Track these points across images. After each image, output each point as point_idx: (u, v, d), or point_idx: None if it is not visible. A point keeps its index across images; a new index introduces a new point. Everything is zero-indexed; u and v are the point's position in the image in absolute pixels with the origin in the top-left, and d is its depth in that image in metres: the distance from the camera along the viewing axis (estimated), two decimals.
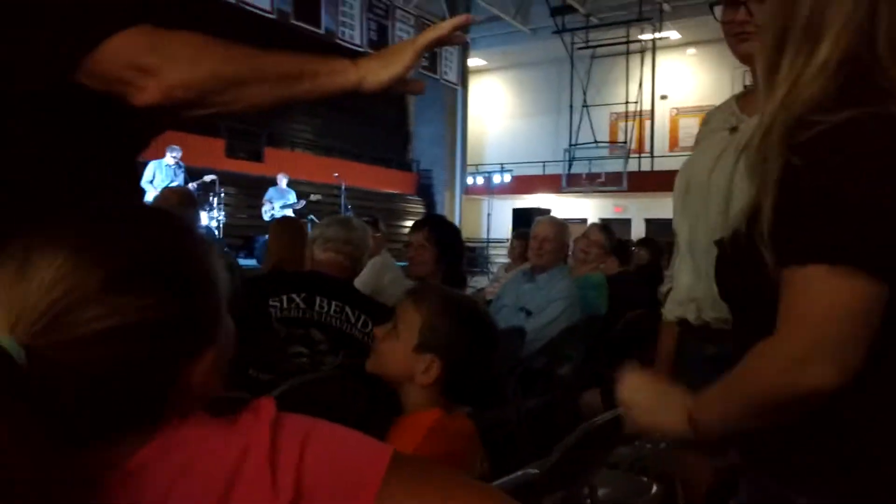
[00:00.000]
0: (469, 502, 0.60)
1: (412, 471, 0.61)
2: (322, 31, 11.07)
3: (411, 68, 0.95)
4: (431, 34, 0.96)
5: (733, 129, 1.40)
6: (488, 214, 16.06)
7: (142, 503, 0.54)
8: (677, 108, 16.83)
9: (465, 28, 0.99)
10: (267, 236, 9.53)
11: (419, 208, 16.30)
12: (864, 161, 0.75)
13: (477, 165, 18.07)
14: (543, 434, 1.40)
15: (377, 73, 0.94)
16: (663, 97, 16.64)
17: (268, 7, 9.94)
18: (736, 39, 1.38)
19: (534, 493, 1.28)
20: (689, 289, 1.47)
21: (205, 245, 0.61)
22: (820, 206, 0.76)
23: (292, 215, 9.41)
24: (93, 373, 0.51)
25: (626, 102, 15.87)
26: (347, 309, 2.02)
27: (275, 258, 2.94)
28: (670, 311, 1.54)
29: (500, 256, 13.79)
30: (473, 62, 17.20)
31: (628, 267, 4.22)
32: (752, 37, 1.31)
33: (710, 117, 1.54)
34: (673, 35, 15.65)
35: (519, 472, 1.24)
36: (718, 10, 1.41)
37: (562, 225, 3.19)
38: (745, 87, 1.49)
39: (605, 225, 4.21)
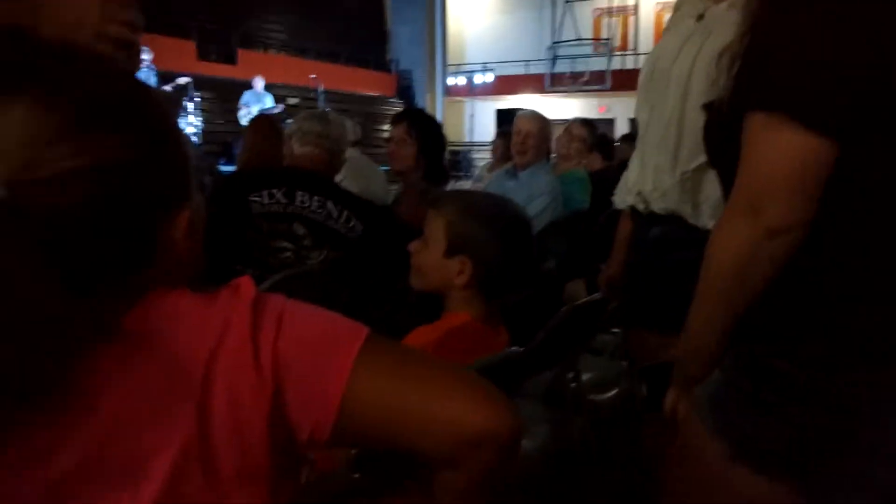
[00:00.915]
0: (445, 384, 0.61)
1: (388, 349, 0.62)
2: None
3: None
4: None
5: (700, 17, 1.37)
6: (471, 116, 15.80)
7: (127, 371, 0.54)
8: (662, 3, 16.31)
9: None
10: None
11: (399, 110, 15.98)
12: (820, 16, 0.75)
13: (458, 65, 17.58)
14: (528, 326, 1.43)
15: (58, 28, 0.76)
16: None
17: None
18: None
19: (518, 372, 1.32)
20: (635, 180, 1.48)
21: (167, 105, 0.61)
22: (769, 55, 0.78)
23: None
24: (74, 213, 0.50)
25: None
26: (329, 203, 2.00)
27: (249, 154, 2.89)
28: (621, 200, 1.56)
29: (484, 160, 13.70)
30: None
31: (612, 162, 4.20)
32: None
33: (681, 3, 1.49)
34: None
35: (503, 352, 1.27)
36: None
37: (544, 119, 3.14)
38: None
39: (588, 120, 4.15)
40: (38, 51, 0.54)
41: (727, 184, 0.86)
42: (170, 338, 0.56)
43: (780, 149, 0.76)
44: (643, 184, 1.45)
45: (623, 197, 1.54)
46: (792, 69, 0.76)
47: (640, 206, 1.47)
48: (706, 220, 1.34)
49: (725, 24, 1.25)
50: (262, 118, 3.64)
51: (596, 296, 1.77)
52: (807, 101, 0.75)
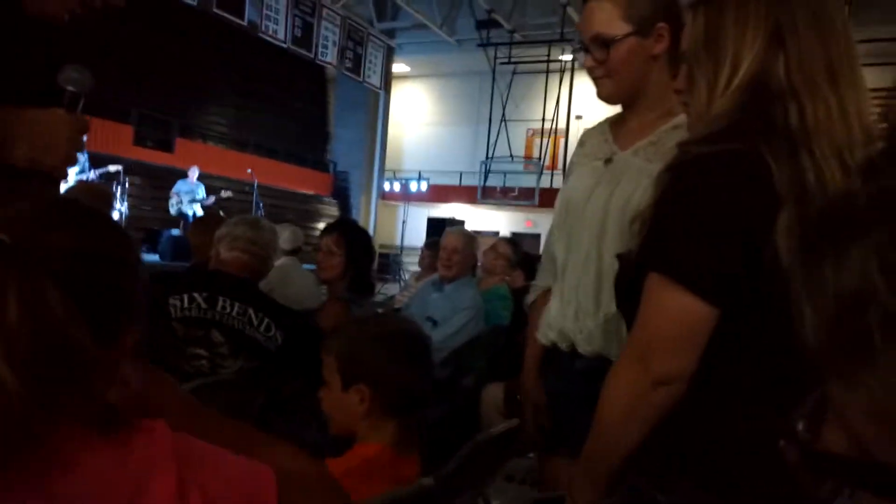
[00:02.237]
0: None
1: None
2: (245, 23, 10.80)
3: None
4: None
5: (608, 161, 1.45)
6: (403, 221, 16.06)
7: None
8: None
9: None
10: (174, 231, 9.14)
11: (334, 211, 16.10)
12: (703, 191, 0.86)
13: (395, 171, 18.05)
14: (444, 444, 1.42)
15: (27, 153, 0.96)
16: (578, 117, 17.14)
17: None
18: (594, 83, 1.43)
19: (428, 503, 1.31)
20: (555, 318, 1.49)
21: (131, 243, 0.70)
22: (668, 225, 0.88)
23: (201, 212, 9.11)
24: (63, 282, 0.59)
25: (543, 119, 16.27)
26: (251, 311, 1.98)
27: (200, 256, 2.86)
28: (542, 335, 1.55)
29: (413, 264, 13.80)
30: (397, 67, 17.19)
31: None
32: (604, 80, 1.39)
33: (586, 139, 1.57)
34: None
35: (414, 484, 1.26)
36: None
37: (471, 237, 3.25)
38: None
39: (512, 239, 4.31)
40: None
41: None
42: (86, 499, 0.57)
43: (669, 308, 0.86)
44: (565, 323, 1.47)
45: (545, 332, 1.56)
46: (684, 239, 0.86)
47: (563, 345, 1.48)
48: None
49: (632, 171, 1.37)
50: (207, 217, 3.70)
51: (513, 422, 1.79)
52: (694, 268, 0.85)
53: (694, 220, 0.86)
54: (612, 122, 1.52)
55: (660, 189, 0.90)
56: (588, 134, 1.58)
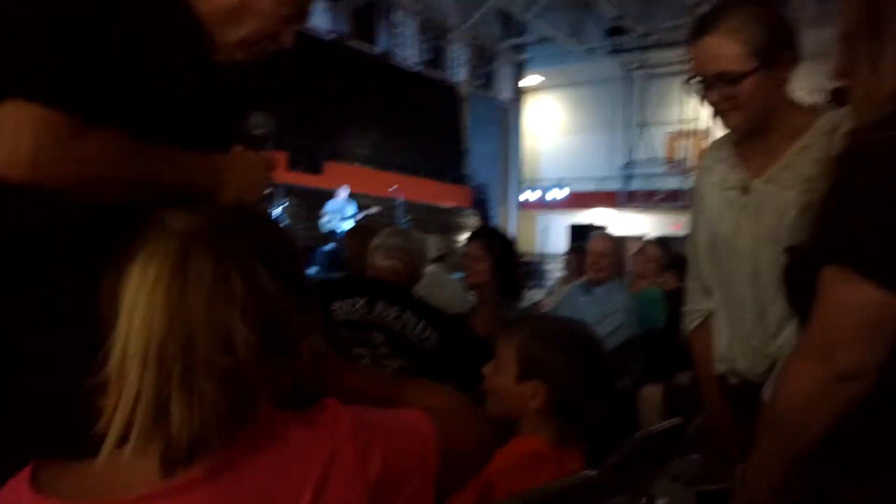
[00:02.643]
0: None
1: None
2: (378, 52, 11.31)
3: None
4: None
5: (744, 190, 1.42)
6: (544, 229, 15.97)
7: (243, 494, 0.63)
8: None
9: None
10: (326, 246, 9.68)
11: (474, 222, 16.34)
12: (881, 180, 0.82)
13: (532, 181, 18.02)
14: (604, 445, 1.41)
15: (232, 193, 1.07)
16: None
17: (326, 29, 10.21)
18: (718, 115, 1.38)
19: (589, 497, 1.29)
20: (726, 353, 1.50)
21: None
22: (845, 215, 0.85)
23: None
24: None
25: (683, 121, 15.62)
26: (407, 313, 2.07)
27: (358, 265, 3.03)
28: (718, 367, 1.54)
29: (555, 271, 13.69)
30: (529, 80, 17.23)
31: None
32: (733, 111, 1.34)
33: (709, 165, 1.53)
34: None
35: (578, 474, 1.25)
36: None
37: (618, 240, 3.19)
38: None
39: (662, 239, 4.17)
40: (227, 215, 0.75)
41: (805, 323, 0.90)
42: (282, 468, 0.65)
43: (852, 300, 0.82)
44: (736, 362, 1.47)
45: (718, 365, 1.55)
46: (864, 230, 0.83)
47: (734, 380, 1.49)
48: None
49: (772, 201, 1.35)
50: (360, 227, 3.86)
51: (674, 421, 1.73)
52: (877, 259, 0.82)
53: (874, 210, 0.82)
54: (735, 146, 1.47)
55: (833, 180, 0.87)
56: (709, 158, 1.54)
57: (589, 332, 1.38)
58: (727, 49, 1.29)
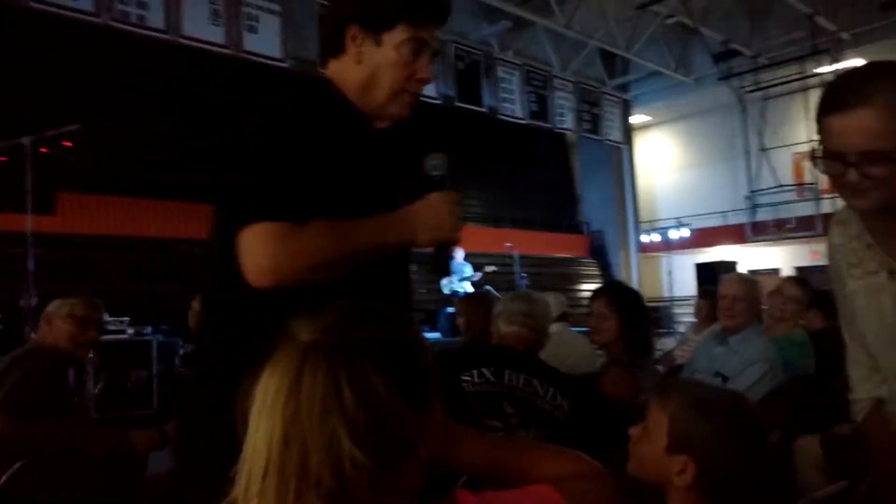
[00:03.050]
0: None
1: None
2: (485, 109, 11.57)
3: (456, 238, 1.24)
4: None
5: (892, 274, 1.30)
6: (669, 272, 15.40)
7: None
8: None
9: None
10: (449, 309, 9.80)
11: (594, 270, 16.04)
12: None
13: (651, 222, 17.52)
14: None
15: (427, 235, 1.24)
16: None
17: (434, 94, 10.60)
18: (849, 194, 1.23)
19: None
20: None
21: (419, 328, 0.84)
22: None
23: (471, 288, 9.68)
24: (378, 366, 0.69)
25: (810, 141, 14.73)
26: (535, 381, 2.05)
27: (474, 332, 3.05)
28: None
29: (685, 315, 13.08)
30: (637, 119, 16.97)
31: (836, 321, 3.85)
32: (870, 192, 1.18)
33: (845, 246, 1.39)
34: (858, 63, 14.42)
35: None
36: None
37: (752, 281, 3.02)
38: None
39: (800, 277, 3.90)
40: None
41: None
42: None
43: None
44: None
45: None
46: None
47: None
48: None
49: None
50: (477, 295, 3.91)
51: (841, 484, 1.59)
52: None
53: None
54: (869, 223, 1.33)
55: None
56: (839, 236, 1.40)
57: (747, 405, 1.29)
58: (885, 125, 1.12)
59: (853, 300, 1.39)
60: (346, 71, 1.29)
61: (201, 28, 8.15)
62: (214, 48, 8.33)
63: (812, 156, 1.24)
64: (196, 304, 2.79)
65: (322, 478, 0.63)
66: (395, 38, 1.25)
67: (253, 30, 8.57)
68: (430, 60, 1.31)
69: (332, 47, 1.31)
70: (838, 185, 1.22)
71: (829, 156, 1.19)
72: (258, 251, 1.09)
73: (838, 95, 1.17)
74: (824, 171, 1.22)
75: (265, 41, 8.64)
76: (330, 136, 1.21)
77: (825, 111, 1.19)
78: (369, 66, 1.27)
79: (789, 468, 2.60)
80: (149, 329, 6.59)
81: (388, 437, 0.66)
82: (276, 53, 8.72)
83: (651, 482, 1.26)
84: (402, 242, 1.23)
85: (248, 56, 8.57)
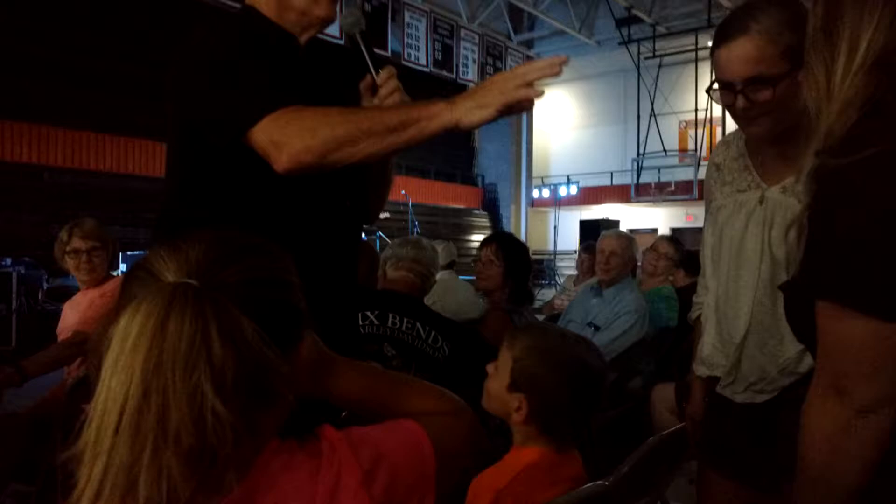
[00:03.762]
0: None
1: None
2: (388, 54, 11.34)
3: (501, 114, 1.11)
4: (522, 83, 1.10)
5: (760, 201, 1.37)
6: (555, 227, 15.96)
7: None
8: None
9: (559, 69, 1.13)
10: None
11: (485, 222, 16.35)
12: (872, 202, 0.76)
13: (543, 178, 18.00)
14: (614, 448, 1.42)
15: (471, 113, 1.10)
16: None
17: (337, 34, 10.26)
18: (742, 122, 1.31)
19: None
20: (711, 354, 1.46)
21: (292, 265, 0.77)
22: (825, 246, 0.79)
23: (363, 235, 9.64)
24: (253, 309, 0.66)
25: (696, 110, 15.53)
26: (419, 325, 2.09)
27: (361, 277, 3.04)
28: (699, 370, 1.52)
29: (567, 269, 13.67)
30: None
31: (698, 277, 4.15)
32: (760, 119, 1.27)
33: (722, 163, 1.48)
34: None
35: (588, 485, 1.27)
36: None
37: (628, 238, 3.19)
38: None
39: (673, 237, 4.16)
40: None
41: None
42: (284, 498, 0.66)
43: (852, 335, 0.77)
44: (719, 358, 1.44)
45: (699, 368, 1.52)
46: (847, 260, 0.77)
47: (718, 388, 1.45)
48: None
49: (784, 212, 1.31)
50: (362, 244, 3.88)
51: (684, 423, 1.74)
52: (866, 290, 0.76)
53: (855, 240, 0.77)
54: (749, 146, 1.42)
55: (810, 203, 0.82)
56: (722, 155, 1.49)
57: (589, 353, 1.35)
58: (761, 51, 1.21)
59: (716, 215, 1.48)
60: None
61: None
62: None
63: (708, 89, 1.31)
64: (64, 235, 2.61)
65: (181, 434, 0.59)
66: None
67: None
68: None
69: None
70: (732, 115, 1.31)
71: (721, 86, 1.28)
72: (289, 131, 1.09)
73: (723, 29, 1.26)
74: (718, 102, 1.30)
75: None
76: (264, 54, 1.22)
77: (715, 46, 1.28)
78: None
79: (646, 414, 2.83)
80: (8, 260, 6.14)
81: (255, 389, 0.63)
82: None
83: (496, 415, 1.33)
84: (439, 126, 1.12)
85: None
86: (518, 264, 2.67)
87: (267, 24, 1.32)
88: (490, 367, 1.35)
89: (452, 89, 15.82)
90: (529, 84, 1.10)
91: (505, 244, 2.71)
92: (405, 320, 2.09)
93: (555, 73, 1.13)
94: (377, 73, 1.34)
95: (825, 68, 0.82)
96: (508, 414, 1.28)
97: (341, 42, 10.34)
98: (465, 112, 1.10)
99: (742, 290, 1.39)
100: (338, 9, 1.36)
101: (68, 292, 4.11)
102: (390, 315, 2.09)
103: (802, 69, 0.88)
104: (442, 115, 1.10)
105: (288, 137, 1.09)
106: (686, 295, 3.52)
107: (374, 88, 1.35)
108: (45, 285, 5.80)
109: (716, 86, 1.29)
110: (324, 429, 0.72)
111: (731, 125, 1.45)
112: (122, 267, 5.48)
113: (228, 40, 1.23)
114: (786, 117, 1.25)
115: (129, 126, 10.40)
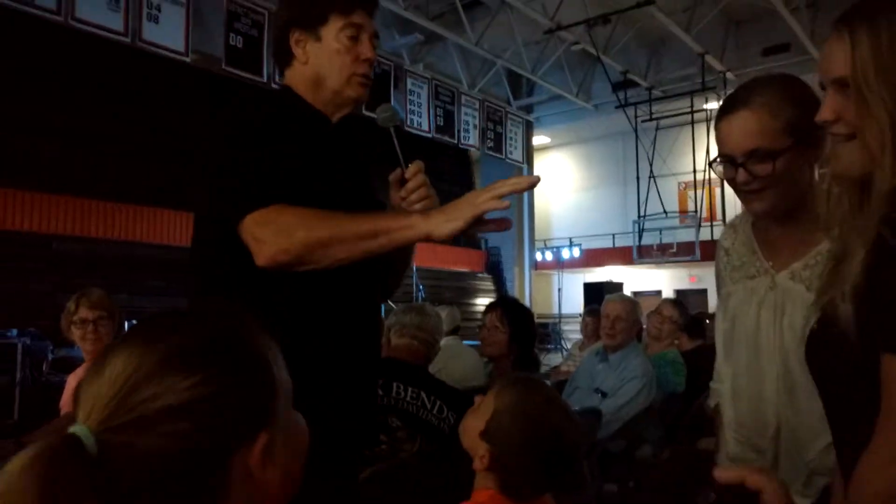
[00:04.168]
0: None
1: None
2: None
3: (471, 224, 1.18)
4: (491, 197, 1.17)
5: (771, 287, 1.34)
6: (559, 289, 15.94)
7: None
8: None
9: (531, 186, 1.22)
10: None
11: (489, 286, 16.37)
12: None
13: (545, 240, 18.10)
14: None
15: (442, 226, 1.17)
16: None
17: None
18: (744, 197, 1.29)
19: None
20: (739, 452, 1.40)
21: (263, 336, 0.65)
22: None
23: None
24: (152, 455, 0.55)
25: (695, 171, 15.73)
26: (423, 394, 2.08)
27: None
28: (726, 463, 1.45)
29: (573, 332, 13.57)
30: (538, 140, 17.53)
31: (703, 341, 4.13)
32: (761, 193, 1.25)
33: (730, 248, 1.45)
34: None
35: None
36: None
37: (632, 302, 3.19)
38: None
39: (678, 300, 4.16)
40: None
41: (840, 416, 0.84)
42: None
43: None
44: (742, 453, 1.38)
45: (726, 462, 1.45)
46: None
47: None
48: None
49: (796, 300, 1.28)
50: None
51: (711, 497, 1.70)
52: None
53: None
54: (756, 229, 1.40)
55: (883, 258, 0.77)
56: (730, 239, 1.47)
57: (568, 425, 1.30)
58: (762, 125, 1.21)
59: (727, 301, 1.45)
60: (298, 74, 1.40)
61: (98, 13, 7.72)
62: (111, 35, 7.91)
63: (710, 162, 1.33)
64: (71, 305, 2.63)
65: None
66: (332, 30, 1.36)
67: (154, 19, 8.20)
68: (370, 41, 1.40)
69: (283, 58, 1.41)
70: (734, 189, 1.31)
71: (722, 159, 1.29)
72: (267, 231, 1.16)
73: (726, 104, 1.29)
74: (720, 175, 1.31)
75: (167, 32, 8.29)
76: (296, 134, 1.30)
77: (718, 119, 1.30)
78: (316, 62, 1.37)
79: (658, 487, 2.76)
80: (14, 331, 6.12)
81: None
82: (179, 46, 8.39)
83: (466, 450, 1.31)
84: (409, 237, 1.20)
85: (148, 46, 8.20)
86: (523, 330, 2.67)
87: (301, 103, 1.39)
88: (477, 399, 1.34)
89: (454, 154, 16.16)
90: (499, 198, 1.17)
91: (510, 309, 2.72)
92: (410, 390, 2.08)
93: (532, 186, 1.22)
94: (406, 166, 1.39)
95: (888, 112, 0.77)
96: (474, 456, 1.28)
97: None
98: (436, 225, 1.17)
99: (764, 385, 1.34)
100: (369, 96, 1.45)
101: (73, 363, 4.09)
102: (395, 384, 2.08)
103: (839, 105, 0.84)
104: (416, 226, 1.18)
105: (266, 237, 1.17)
106: (691, 359, 3.51)
107: (402, 181, 1.40)
108: (51, 356, 5.76)
109: (718, 159, 1.30)
110: None
111: (729, 187, 1.46)
112: None
113: (253, 121, 1.30)
114: (788, 194, 1.25)
115: (138, 194, 10.56)
